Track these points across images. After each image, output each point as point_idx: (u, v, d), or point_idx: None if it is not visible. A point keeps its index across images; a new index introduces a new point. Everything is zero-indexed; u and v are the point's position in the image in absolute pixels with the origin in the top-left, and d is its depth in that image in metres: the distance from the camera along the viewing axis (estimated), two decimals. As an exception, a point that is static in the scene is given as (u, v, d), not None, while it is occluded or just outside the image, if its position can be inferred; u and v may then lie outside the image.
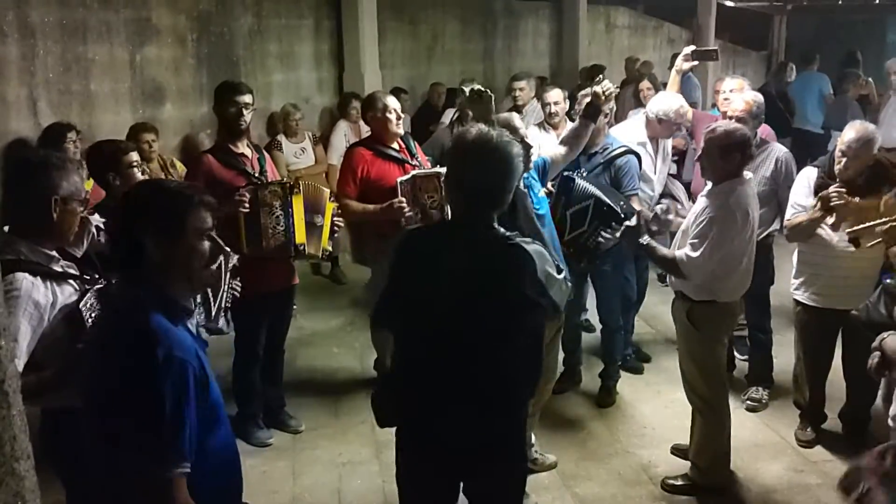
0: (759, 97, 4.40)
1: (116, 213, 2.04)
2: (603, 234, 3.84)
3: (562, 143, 3.95)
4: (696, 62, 5.36)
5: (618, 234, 3.81)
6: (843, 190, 3.65)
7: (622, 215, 3.82)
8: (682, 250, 3.50)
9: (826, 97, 9.19)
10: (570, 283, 2.55)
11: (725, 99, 4.99)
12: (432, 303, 2.33)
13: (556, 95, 5.60)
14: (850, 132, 3.79)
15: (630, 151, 4.43)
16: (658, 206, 3.82)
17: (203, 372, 1.89)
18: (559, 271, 2.44)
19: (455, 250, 2.34)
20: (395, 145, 4.41)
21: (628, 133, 4.82)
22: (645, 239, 3.60)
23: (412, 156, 4.49)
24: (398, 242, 2.55)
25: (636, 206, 4.16)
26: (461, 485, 2.60)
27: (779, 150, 4.43)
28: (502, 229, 2.39)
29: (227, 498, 2.11)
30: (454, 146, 2.47)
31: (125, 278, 1.96)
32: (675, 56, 5.96)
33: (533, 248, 2.34)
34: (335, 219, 4.06)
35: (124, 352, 1.80)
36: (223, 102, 3.94)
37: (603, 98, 3.82)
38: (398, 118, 4.36)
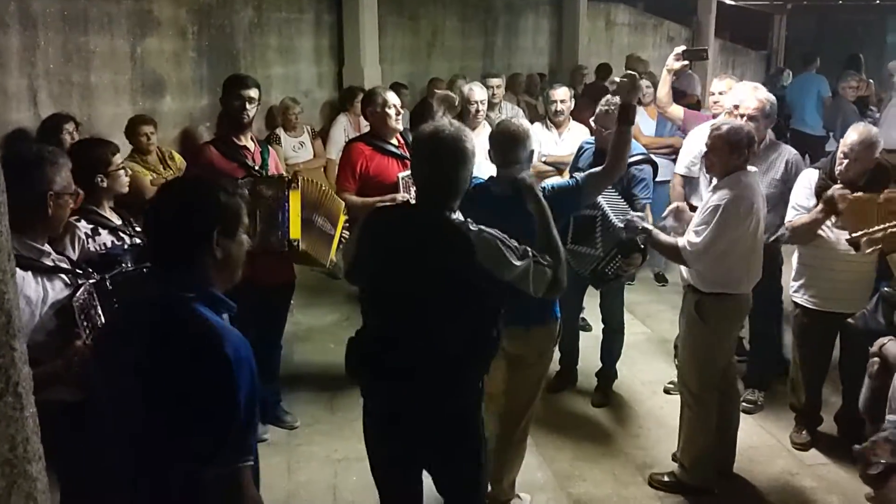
0: (773, 97, 4.32)
1: (155, 210, 1.98)
2: (624, 268, 3.81)
3: (605, 166, 3.29)
4: (686, 62, 5.35)
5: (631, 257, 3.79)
6: (846, 189, 3.64)
7: (642, 247, 3.74)
8: (684, 237, 3.51)
9: (825, 99, 9.18)
10: (549, 272, 2.55)
11: (715, 102, 4.95)
12: (386, 277, 2.49)
13: (562, 94, 5.57)
14: (853, 134, 3.76)
15: (647, 160, 4.34)
16: (666, 210, 3.81)
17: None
18: (522, 257, 2.46)
19: (406, 230, 2.49)
20: (395, 141, 4.41)
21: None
22: (647, 225, 3.60)
23: (412, 151, 4.49)
24: (365, 216, 2.72)
25: (647, 214, 4.13)
26: (422, 469, 2.69)
27: (789, 153, 4.35)
28: (458, 215, 2.48)
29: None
30: (412, 140, 2.61)
31: (165, 275, 1.94)
32: (673, 56, 5.96)
33: (481, 235, 2.40)
34: (344, 230, 4.05)
35: (192, 350, 1.79)
36: (229, 94, 3.99)
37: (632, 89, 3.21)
38: (397, 113, 4.36)
